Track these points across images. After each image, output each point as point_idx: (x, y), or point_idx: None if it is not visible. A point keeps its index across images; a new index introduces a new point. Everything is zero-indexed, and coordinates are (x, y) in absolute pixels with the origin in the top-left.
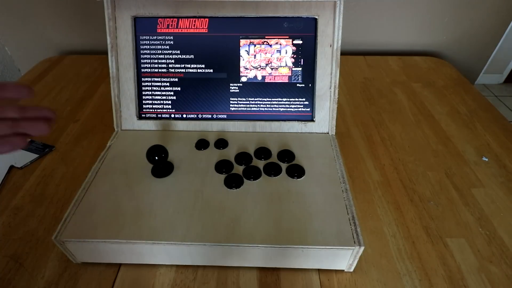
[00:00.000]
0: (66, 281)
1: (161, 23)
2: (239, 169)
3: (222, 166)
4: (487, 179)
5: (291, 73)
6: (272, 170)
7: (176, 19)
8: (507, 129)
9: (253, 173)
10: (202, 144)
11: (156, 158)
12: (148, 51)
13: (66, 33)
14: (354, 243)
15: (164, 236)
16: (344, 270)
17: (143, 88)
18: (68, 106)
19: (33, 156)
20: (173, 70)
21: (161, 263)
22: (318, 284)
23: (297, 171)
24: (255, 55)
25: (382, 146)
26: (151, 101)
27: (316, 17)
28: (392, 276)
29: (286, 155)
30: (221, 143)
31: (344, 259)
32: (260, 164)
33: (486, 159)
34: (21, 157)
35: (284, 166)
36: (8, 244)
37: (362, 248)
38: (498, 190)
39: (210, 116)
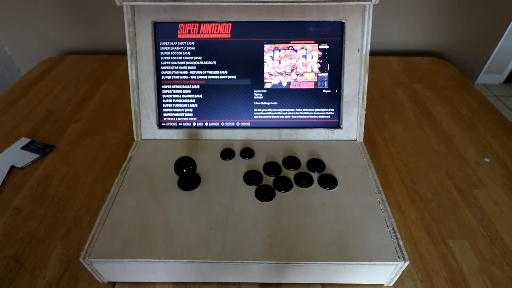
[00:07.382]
0: (67, 282)
1: (182, 28)
2: (268, 180)
3: (251, 177)
4: (489, 180)
5: (317, 79)
6: (303, 181)
7: (197, 24)
8: (508, 130)
9: (284, 184)
10: (227, 153)
11: (185, 170)
12: (169, 58)
13: (67, 33)
14: (399, 258)
15: (200, 254)
16: (384, 284)
17: (164, 96)
18: (69, 106)
19: (34, 156)
20: (194, 77)
21: (193, 281)
22: None
23: (329, 181)
24: (279, 61)
25: (383, 147)
26: (171, 109)
27: (344, 21)
28: None
29: (316, 164)
30: (247, 152)
31: (386, 273)
32: (290, 174)
33: (488, 160)
34: (22, 157)
35: (315, 176)
36: (8, 244)
37: (407, 263)
38: (500, 191)
39: (233, 124)
